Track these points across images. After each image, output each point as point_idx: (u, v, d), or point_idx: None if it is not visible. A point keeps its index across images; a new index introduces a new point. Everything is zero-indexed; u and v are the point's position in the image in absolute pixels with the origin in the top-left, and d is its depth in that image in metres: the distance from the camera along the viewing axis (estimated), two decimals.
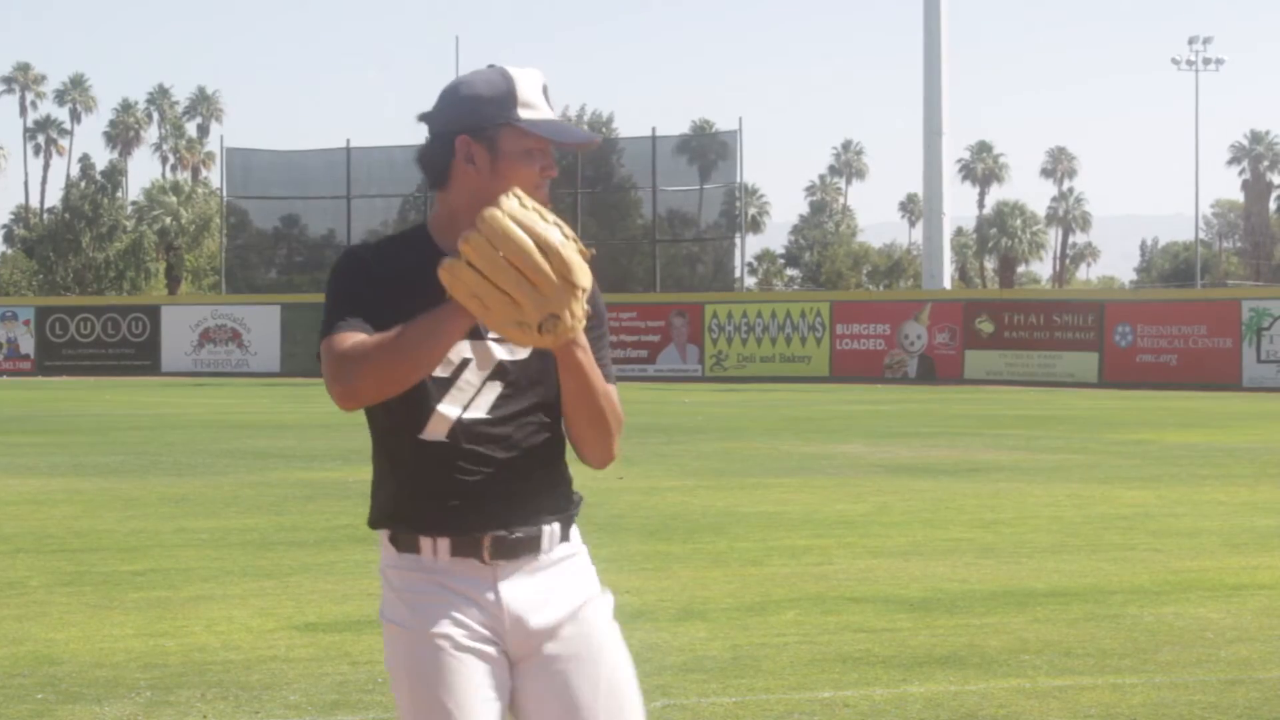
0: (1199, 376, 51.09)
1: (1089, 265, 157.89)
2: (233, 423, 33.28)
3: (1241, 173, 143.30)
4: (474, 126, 4.07)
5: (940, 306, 60.00)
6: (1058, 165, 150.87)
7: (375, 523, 4.26)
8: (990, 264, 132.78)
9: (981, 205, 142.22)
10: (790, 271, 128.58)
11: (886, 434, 29.42)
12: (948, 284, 71.17)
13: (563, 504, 4.24)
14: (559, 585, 4.19)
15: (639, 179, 71.64)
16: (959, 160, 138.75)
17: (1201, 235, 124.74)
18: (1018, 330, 57.34)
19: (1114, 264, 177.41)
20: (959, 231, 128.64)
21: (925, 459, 23.71)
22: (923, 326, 58.82)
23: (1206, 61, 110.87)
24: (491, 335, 4.06)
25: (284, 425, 32.27)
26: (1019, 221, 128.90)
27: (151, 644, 10.01)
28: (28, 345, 65.86)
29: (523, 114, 4.09)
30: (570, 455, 4.24)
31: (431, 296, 3.90)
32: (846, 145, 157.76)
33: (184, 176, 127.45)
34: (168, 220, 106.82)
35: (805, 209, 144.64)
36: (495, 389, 4.13)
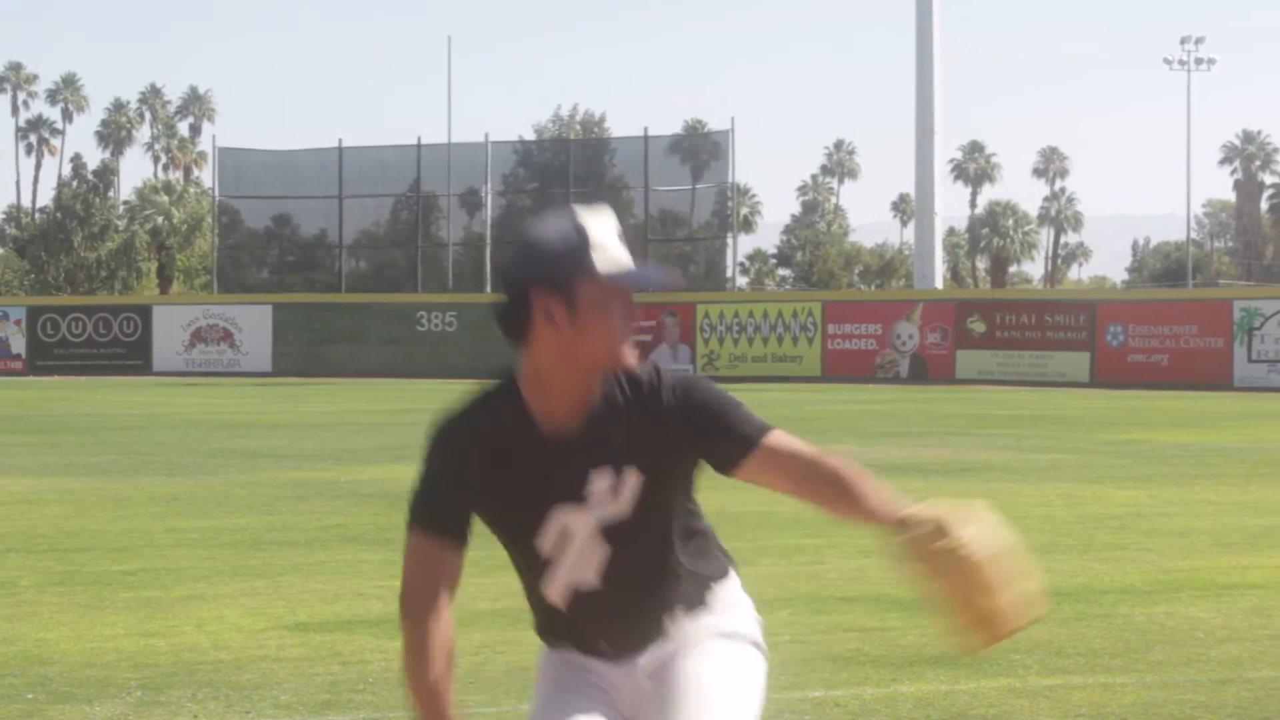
0: (1190, 376, 51.15)
1: (1081, 265, 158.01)
2: (224, 422, 33.26)
3: (1233, 173, 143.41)
4: (549, 281, 3.91)
5: (932, 306, 60.05)
6: (1049, 165, 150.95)
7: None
8: (982, 264, 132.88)
9: (973, 205, 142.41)
10: (782, 271, 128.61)
11: (878, 434, 29.42)
12: (939, 284, 71.20)
13: (696, 593, 4.17)
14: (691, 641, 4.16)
15: (631, 179, 71.68)
16: (951, 160, 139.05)
17: (1193, 235, 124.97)
18: (1009, 330, 57.40)
19: (1106, 264, 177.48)
20: (951, 231, 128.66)
21: (917, 459, 23.73)
22: (914, 326, 58.86)
23: (1199, 61, 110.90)
24: (590, 503, 4.00)
25: (275, 425, 32.26)
26: (1011, 221, 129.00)
27: (142, 644, 10.00)
28: (19, 345, 65.85)
29: (598, 262, 3.94)
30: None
31: (526, 471, 3.97)
32: (839, 145, 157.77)
33: (176, 176, 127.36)
34: (159, 220, 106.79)
35: (797, 209, 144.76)
36: (603, 551, 4.07)
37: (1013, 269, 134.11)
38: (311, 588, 12.04)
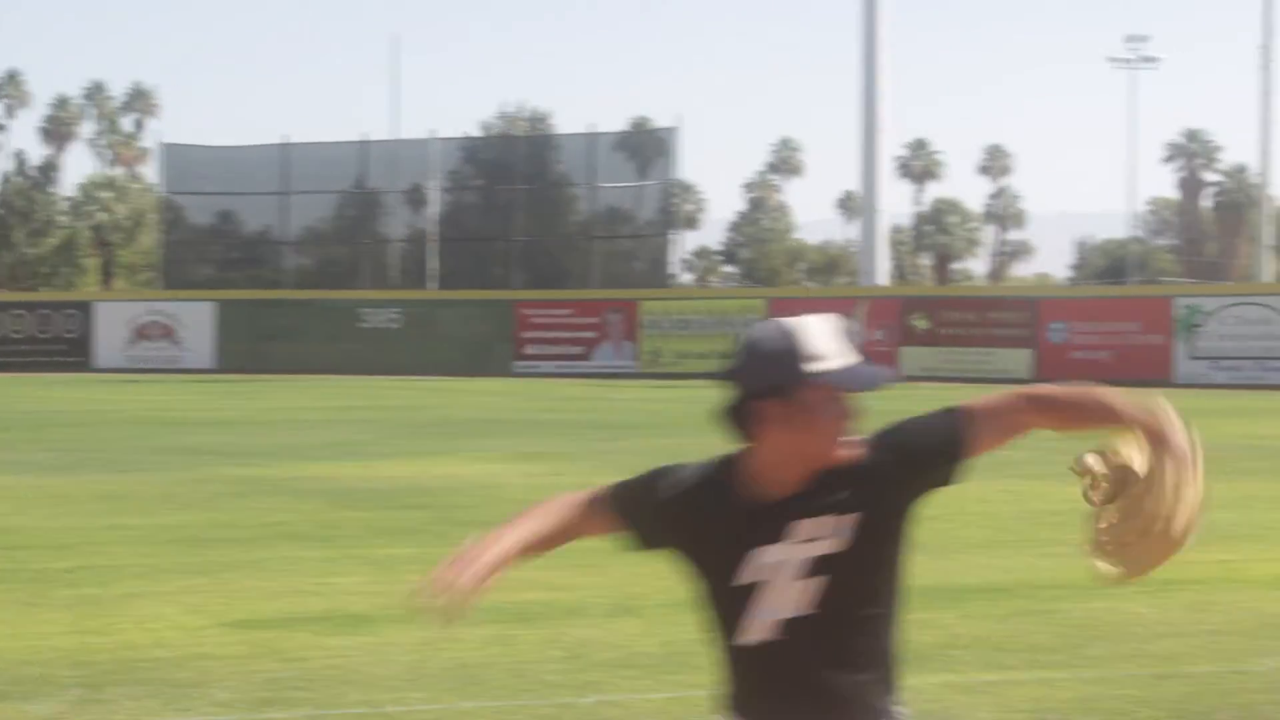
0: (1132, 373, 51.19)
1: (1024, 262, 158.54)
2: (166, 419, 33.10)
3: (1177, 170, 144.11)
4: (771, 388, 4.14)
5: (876, 303, 60.11)
6: (994, 163, 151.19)
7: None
8: (926, 261, 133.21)
9: (918, 202, 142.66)
10: (727, 268, 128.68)
11: None
12: (884, 281, 71.30)
13: (887, 685, 4.25)
14: None
15: (576, 175, 71.59)
16: (896, 157, 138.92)
17: (1136, 232, 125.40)
18: (953, 327, 57.56)
19: (1049, 261, 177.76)
20: (896, 228, 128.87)
21: None
22: (859, 323, 58.95)
23: (1143, 60, 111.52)
24: (795, 538, 4.13)
25: (218, 422, 32.14)
26: (955, 219, 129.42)
27: (81, 641, 9.95)
28: None
29: (813, 367, 4.14)
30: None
31: (733, 523, 4.19)
32: (784, 143, 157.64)
33: (120, 172, 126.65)
34: (103, 216, 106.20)
35: (743, 206, 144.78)
36: (814, 583, 4.15)
37: (957, 266, 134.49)
38: (252, 585, 12.00)
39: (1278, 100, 77.36)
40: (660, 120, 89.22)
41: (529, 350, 61.80)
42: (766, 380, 4.14)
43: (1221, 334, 52.61)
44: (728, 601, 4.18)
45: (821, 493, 4.16)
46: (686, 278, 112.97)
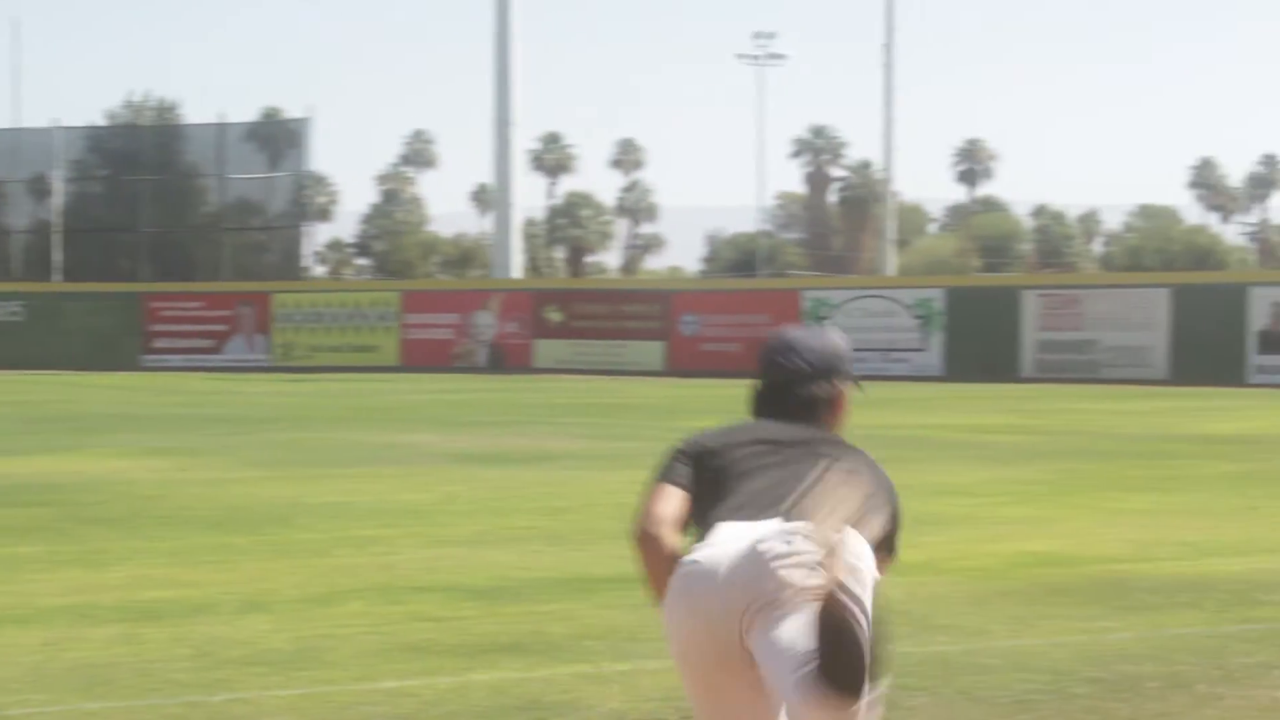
0: None
1: (657, 255, 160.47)
2: None
3: (804, 165, 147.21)
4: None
5: (510, 296, 60.41)
6: (626, 156, 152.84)
7: None
8: (560, 254, 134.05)
9: (551, 195, 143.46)
10: (360, 260, 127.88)
11: (455, 423, 29.46)
12: (518, 273, 71.55)
13: None
14: None
15: (205, 166, 70.53)
16: (529, 150, 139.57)
17: (765, 227, 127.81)
18: (586, 319, 58.03)
19: (681, 254, 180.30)
20: (529, 221, 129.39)
21: (494, 448, 23.81)
22: (493, 316, 59.11)
23: (770, 57, 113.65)
24: None
25: None
26: (588, 212, 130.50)
27: None
28: None
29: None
30: None
31: None
32: (418, 134, 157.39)
33: None
34: None
35: (376, 198, 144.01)
36: None
37: (590, 259, 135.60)
38: None
39: (900, 98, 79.59)
40: (292, 111, 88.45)
41: (158, 344, 60.68)
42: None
43: (847, 326, 53.85)
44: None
45: None
46: (319, 270, 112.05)
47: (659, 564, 4.97)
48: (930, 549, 12.54)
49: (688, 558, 4.83)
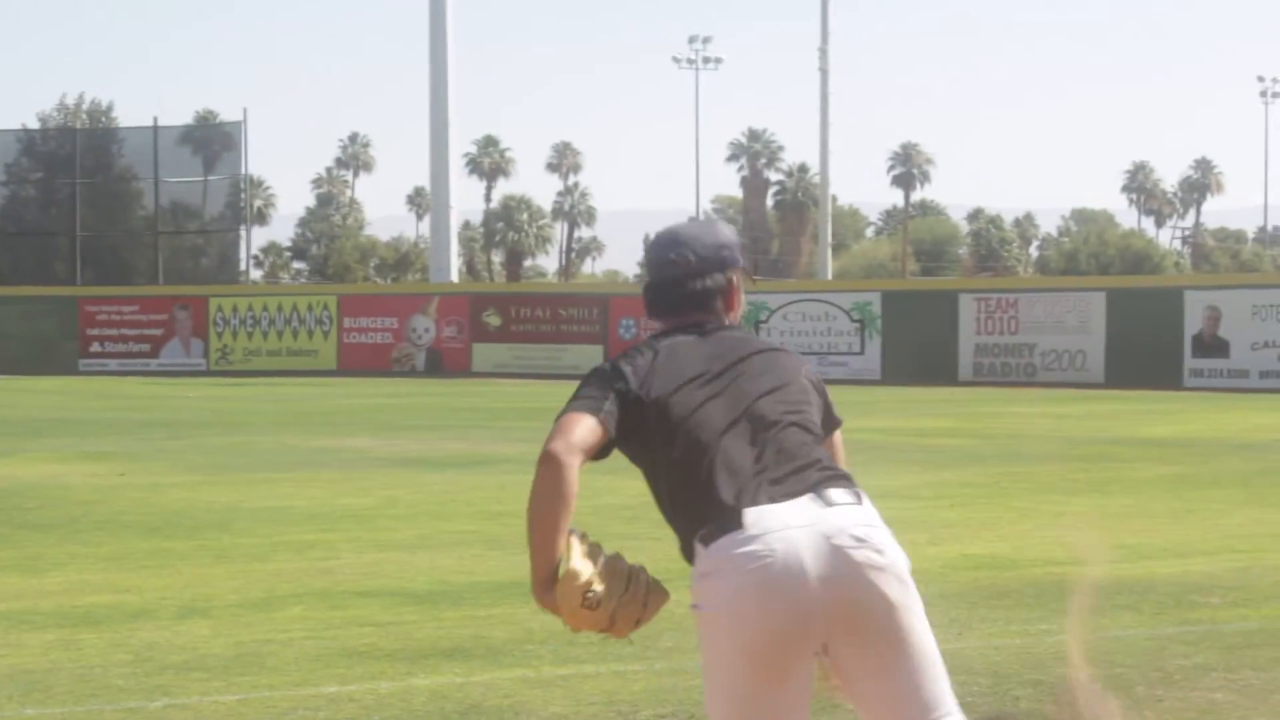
0: None
1: (594, 259, 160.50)
2: None
3: (740, 169, 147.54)
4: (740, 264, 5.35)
5: (447, 300, 60.27)
6: (563, 160, 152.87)
7: None
8: (498, 257, 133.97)
9: (489, 199, 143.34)
10: (297, 264, 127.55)
11: (394, 427, 29.40)
12: (455, 277, 71.42)
13: None
14: None
15: (140, 169, 70.13)
16: (466, 154, 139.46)
17: None
18: (524, 323, 57.98)
19: (618, 258, 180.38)
20: (466, 225, 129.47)
21: (433, 452, 23.76)
22: (430, 320, 58.98)
23: (706, 60, 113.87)
24: None
25: None
26: (525, 215, 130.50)
27: None
28: None
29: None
30: None
31: None
32: (353, 138, 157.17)
33: None
34: None
35: (312, 201, 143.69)
36: None
37: (528, 263, 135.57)
38: None
39: (836, 102, 79.83)
40: (226, 114, 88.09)
41: (94, 348, 60.28)
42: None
43: (784, 330, 54.00)
44: None
45: None
46: (256, 274, 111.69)
47: (557, 497, 4.91)
48: None
49: (748, 548, 4.69)
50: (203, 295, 61.86)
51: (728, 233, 5.34)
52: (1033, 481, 19.63)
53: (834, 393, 5.30)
